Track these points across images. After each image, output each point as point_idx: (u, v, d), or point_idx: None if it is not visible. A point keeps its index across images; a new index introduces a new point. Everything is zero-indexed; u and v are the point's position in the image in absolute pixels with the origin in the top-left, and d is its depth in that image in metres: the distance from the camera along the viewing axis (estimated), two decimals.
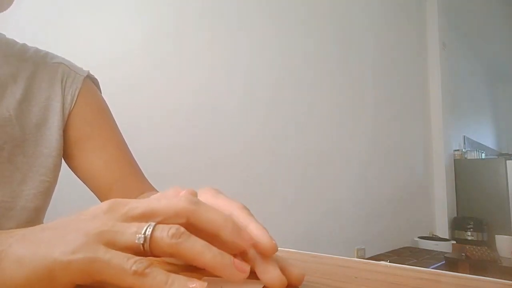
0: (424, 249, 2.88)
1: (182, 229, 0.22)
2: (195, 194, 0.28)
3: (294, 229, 2.02)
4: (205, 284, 0.20)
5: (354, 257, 2.03)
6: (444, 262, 2.37)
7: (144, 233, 0.21)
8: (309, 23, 2.31)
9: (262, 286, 0.25)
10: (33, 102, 0.49)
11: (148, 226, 0.22)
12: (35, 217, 0.48)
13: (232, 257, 0.22)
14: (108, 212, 0.23)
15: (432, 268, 0.34)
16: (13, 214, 0.45)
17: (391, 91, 3.08)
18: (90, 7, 1.34)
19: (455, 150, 3.81)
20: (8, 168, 0.45)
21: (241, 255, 0.25)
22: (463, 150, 3.94)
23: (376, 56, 2.92)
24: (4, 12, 0.47)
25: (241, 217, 0.26)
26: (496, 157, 4.27)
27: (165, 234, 0.21)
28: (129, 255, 0.20)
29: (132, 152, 0.58)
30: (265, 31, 2.02)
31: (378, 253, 2.62)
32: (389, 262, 0.35)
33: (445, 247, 2.87)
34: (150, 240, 0.21)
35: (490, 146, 5.52)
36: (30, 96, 0.49)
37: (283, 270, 0.25)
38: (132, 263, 0.20)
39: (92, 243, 0.21)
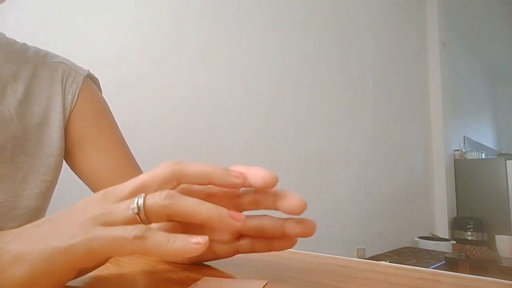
0: (424, 249, 2.88)
1: (173, 191, 0.22)
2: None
3: None
4: (206, 237, 0.20)
5: (354, 257, 2.03)
6: (444, 262, 2.37)
7: (137, 204, 0.22)
8: (309, 23, 2.31)
9: (262, 286, 0.25)
10: (33, 102, 0.49)
11: (139, 197, 0.22)
12: (36, 217, 0.48)
13: (227, 209, 0.22)
14: (99, 200, 0.24)
15: (432, 268, 0.34)
16: (16, 214, 0.45)
17: (391, 91, 3.08)
18: (90, 7, 1.34)
19: (455, 150, 3.81)
20: (10, 168, 0.45)
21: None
22: (463, 150, 3.94)
23: (376, 56, 2.92)
24: (3, 3, 0.47)
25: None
26: (496, 157, 4.27)
27: (158, 198, 0.22)
28: (126, 225, 0.21)
29: (132, 152, 0.58)
30: (265, 31, 2.02)
31: (378, 253, 2.62)
32: (389, 262, 0.35)
33: (445, 247, 2.87)
34: (144, 208, 0.21)
35: (490, 146, 5.52)
36: (30, 95, 0.49)
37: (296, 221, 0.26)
38: (131, 230, 0.20)
39: (87, 226, 0.21)
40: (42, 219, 0.24)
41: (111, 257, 0.24)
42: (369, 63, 2.84)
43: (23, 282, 0.20)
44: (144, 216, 0.21)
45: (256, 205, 0.28)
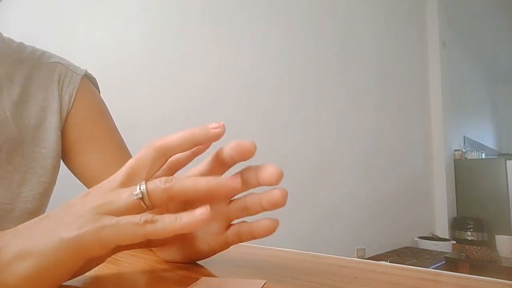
0: (424, 249, 2.88)
1: (171, 177, 0.23)
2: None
3: (295, 229, 2.02)
4: (208, 207, 0.22)
5: (354, 257, 2.03)
6: (444, 262, 2.37)
7: (140, 189, 0.23)
8: (310, 24, 2.31)
9: (261, 286, 0.25)
10: (30, 103, 0.49)
11: (141, 183, 0.23)
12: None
13: (223, 177, 0.24)
14: (95, 193, 0.24)
15: (432, 268, 0.34)
16: (13, 216, 0.45)
17: (391, 91, 3.08)
18: (92, 7, 1.34)
19: (455, 150, 3.81)
20: (7, 170, 0.45)
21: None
22: (463, 150, 3.94)
23: (376, 56, 2.92)
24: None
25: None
26: (496, 157, 4.27)
27: (158, 183, 0.23)
28: (133, 214, 0.22)
29: (131, 153, 0.58)
30: (266, 32, 2.02)
31: (378, 253, 2.62)
32: (389, 262, 0.35)
33: (445, 247, 2.87)
34: (147, 193, 0.22)
35: (490, 146, 5.52)
36: (27, 97, 0.48)
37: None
38: (140, 216, 0.21)
39: (94, 217, 0.21)
40: (40, 217, 0.24)
41: (120, 249, 0.26)
42: (369, 63, 2.84)
43: (29, 277, 0.20)
44: (148, 201, 0.22)
45: (245, 186, 0.28)
